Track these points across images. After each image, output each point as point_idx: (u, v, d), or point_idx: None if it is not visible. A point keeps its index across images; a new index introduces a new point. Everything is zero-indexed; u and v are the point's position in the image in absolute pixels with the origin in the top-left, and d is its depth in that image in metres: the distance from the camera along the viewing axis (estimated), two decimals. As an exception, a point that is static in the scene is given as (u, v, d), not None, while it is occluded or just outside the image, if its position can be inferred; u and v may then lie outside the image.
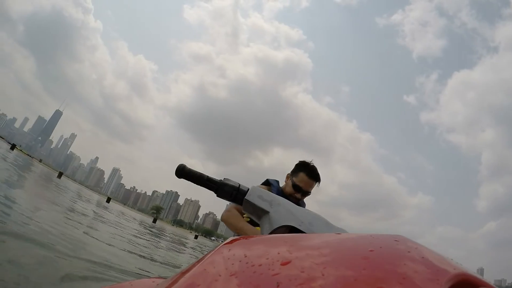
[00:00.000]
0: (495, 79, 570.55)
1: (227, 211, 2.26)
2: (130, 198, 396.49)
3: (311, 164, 2.49)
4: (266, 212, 0.81)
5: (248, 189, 0.91)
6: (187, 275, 0.43)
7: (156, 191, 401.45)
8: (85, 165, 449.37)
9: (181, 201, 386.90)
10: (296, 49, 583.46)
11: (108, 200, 64.06)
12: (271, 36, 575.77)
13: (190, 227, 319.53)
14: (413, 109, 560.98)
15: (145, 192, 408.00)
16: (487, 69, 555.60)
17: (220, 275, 0.40)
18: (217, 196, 0.96)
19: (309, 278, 0.38)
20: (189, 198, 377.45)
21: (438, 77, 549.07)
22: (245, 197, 0.87)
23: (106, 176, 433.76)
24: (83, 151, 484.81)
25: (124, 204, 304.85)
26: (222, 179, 0.96)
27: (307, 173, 2.45)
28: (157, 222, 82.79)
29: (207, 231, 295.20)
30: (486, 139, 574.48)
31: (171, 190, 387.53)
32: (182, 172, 0.98)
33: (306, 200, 2.62)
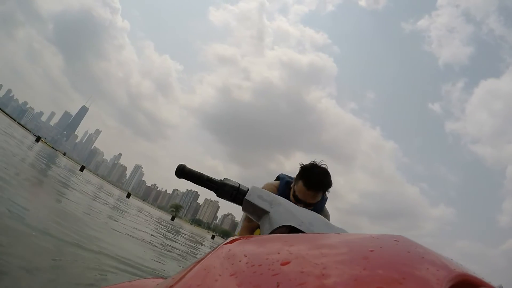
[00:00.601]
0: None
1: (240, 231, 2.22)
2: (150, 195, 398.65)
3: (314, 170, 1.94)
4: (266, 212, 0.81)
5: (248, 189, 0.90)
6: (187, 275, 0.42)
7: (177, 190, 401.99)
8: (108, 161, 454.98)
9: (200, 200, 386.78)
10: (321, 53, 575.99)
11: (128, 196, 63.50)
12: (296, 40, 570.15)
13: (208, 227, 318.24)
14: (438, 118, 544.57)
15: (166, 190, 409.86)
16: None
17: (220, 275, 0.40)
18: (217, 196, 0.96)
19: (309, 278, 0.37)
20: (208, 198, 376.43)
21: (464, 86, 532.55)
22: (245, 197, 0.87)
23: (128, 172, 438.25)
24: (107, 147, 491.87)
25: (144, 200, 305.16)
26: (222, 179, 0.96)
27: (304, 182, 1.93)
28: (176, 220, 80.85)
29: (225, 232, 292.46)
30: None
31: (191, 190, 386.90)
32: (182, 172, 0.98)
33: (327, 204, 2.26)
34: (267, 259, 0.39)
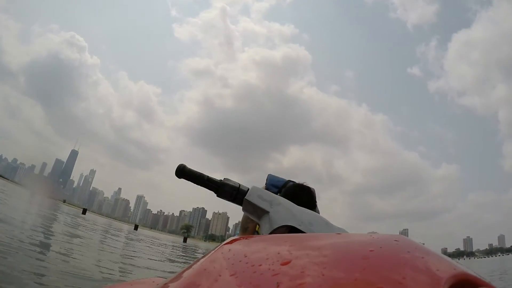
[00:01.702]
0: (496, 32, 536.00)
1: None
2: (159, 221, 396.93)
3: (297, 192, 1.71)
4: (266, 212, 0.80)
5: (248, 189, 0.90)
6: (188, 275, 0.43)
7: (183, 211, 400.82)
8: (110, 198, 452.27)
9: (209, 215, 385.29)
10: (291, 44, 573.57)
11: (136, 228, 65.28)
12: (264, 37, 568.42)
13: (222, 239, 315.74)
14: (419, 80, 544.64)
15: (173, 213, 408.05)
16: (486, 24, 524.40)
17: (220, 275, 0.39)
18: (217, 196, 0.96)
19: (309, 278, 0.37)
20: (216, 211, 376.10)
21: (437, 43, 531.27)
22: (245, 197, 0.87)
23: (132, 205, 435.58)
24: (105, 185, 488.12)
25: (152, 228, 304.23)
26: (222, 179, 0.96)
27: None
28: (188, 240, 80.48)
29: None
30: (499, 96, 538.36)
31: (197, 207, 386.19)
32: (182, 172, 0.98)
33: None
34: (267, 259, 0.39)
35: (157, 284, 0.60)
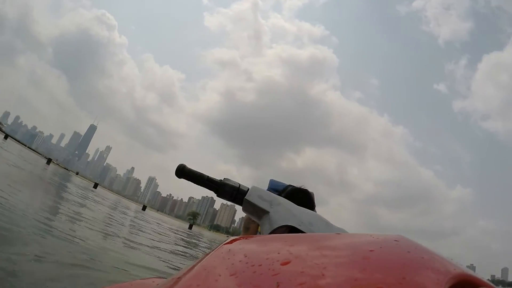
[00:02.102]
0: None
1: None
2: (166, 205, 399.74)
3: (296, 195, 1.70)
4: (266, 212, 0.80)
5: (248, 189, 0.90)
6: (187, 275, 0.42)
7: (192, 198, 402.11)
8: (122, 176, 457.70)
9: (217, 206, 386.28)
10: (319, 45, 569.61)
11: (144, 208, 65.66)
12: (293, 35, 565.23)
13: (227, 231, 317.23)
14: (444, 98, 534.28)
15: (181, 199, 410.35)
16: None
17: (220, 275, 0.39)
18: (217, 196, 0.96)
19: (309, 278, 0.37)
20: (225, 203, 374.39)
21: (467, 62, 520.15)
22: (245, 197, 0.87)
23: (143, 185, 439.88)
24: (119, 163, 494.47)
25: (159, 210, 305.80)
26: (222, 179, 0.96)
27: None
28: (194, 228, 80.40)
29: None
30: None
31: (207, 196, 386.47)
32: (182, 172, 0.97)
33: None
34: (267, 259, 0.39)
35: (157, 284, 0.60)
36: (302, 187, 1.80)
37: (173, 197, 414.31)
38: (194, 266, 0.44)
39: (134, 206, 67.90)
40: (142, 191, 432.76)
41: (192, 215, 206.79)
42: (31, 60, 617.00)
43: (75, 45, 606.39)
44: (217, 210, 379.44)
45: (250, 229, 2.10)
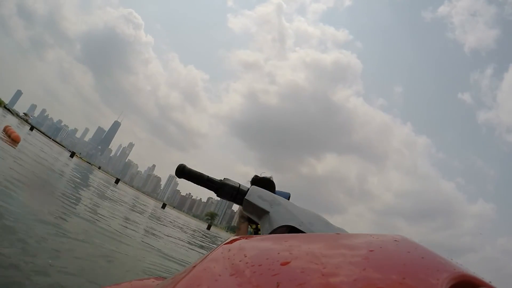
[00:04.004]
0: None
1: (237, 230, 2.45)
2: (185, 204, 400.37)
3: (257, 183, 2.47)
4: (266, 212, 0.80)
5: (248, 189, 0.91)
6: (187, 275, 0.42)
7: (211, 198, 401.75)
8: (143, 172, 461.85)
9: (235, 208, 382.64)
10: (343, 50, 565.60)
11: (163, 206, 64.75)
12: (317, 39, 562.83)
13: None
14: (469, 108, 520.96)
15: (200, 198, 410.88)
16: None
17: (220, 275, 0.39)
18: (217, 196, 0.96)
19: (309, 278, 0.38)
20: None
21: (493, 71, 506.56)
22: (245, 197, 0.87)
23: (163, 183, 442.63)
24: (141, 159, 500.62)
25: (179, 209, 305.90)
26: (222, 179, 0.96)
27: None
28: (212, 228, 77.49)
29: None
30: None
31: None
32: (183, 172, 0.98)
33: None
34: (267, 259, 0.39)
35: (157, 284, 0.60)
36: (264, 177, 2.51)
37: (192, 196, 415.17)
38: (194, 266, 0.44)
39: (153, 203, 69.32)
40: (162, 188, 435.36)
41: (210, 216, 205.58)
42: (59, 55, 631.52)
43: (102, 42, 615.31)
44: (235, 212, 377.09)
45: (240, 229, 2.35)
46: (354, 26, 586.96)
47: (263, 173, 2.56)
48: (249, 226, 2.44)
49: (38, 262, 4.25)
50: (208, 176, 0.97)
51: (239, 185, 0.95)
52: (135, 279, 0.76)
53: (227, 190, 0.94)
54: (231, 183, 0.94)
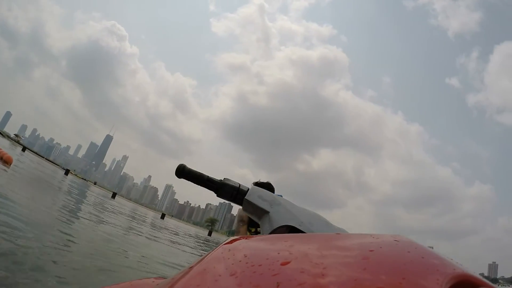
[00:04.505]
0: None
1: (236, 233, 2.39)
2: (184, 212, 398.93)
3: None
4: (266, 212, 0.80)
5: (248, 189, 0.91)
6: (187, 275, 0.42)
7: (210, 204, 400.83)
8: (139, 184, 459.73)
9: (234, 211, 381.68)
10: (329, 45, 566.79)
11: (163, 217, 64.07)
12: (301, 36, 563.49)
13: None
14: (458, 93, 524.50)
15: (199, 205, 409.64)
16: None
17: (220, 275, 0.39)
18: (217, 196, 0.96)
19: (309, 278, 0.38)
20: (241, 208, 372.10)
21: (479, 54, 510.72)
22: (245, 197, 0.87)
23: (160, 193, 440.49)
24: (136, 171, 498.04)
25: (177, 218, 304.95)
26: (222, 179, 0.96)
27: None
28: (213, 234, 78.10)
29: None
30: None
31: (224, 202, 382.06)
32: (182, 172, 0.97)
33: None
34: (267, 259, 0.39)
35: (157, 284, 0.60)
36: (264, 182, 2.55)
37: (190, 204, 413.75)
38: (194, 266, 0.44)
39: (152, 214, 69.44)
40: (159, 199, 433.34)
41: (210, 222, 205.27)
42: (46, 73, 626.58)
43: (87, 56, 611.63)
44: (235, 216, 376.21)
45: (240, 233, 2.36)
46: (337, 21, 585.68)
47: (260, 180, 2.58)
48: (248, 229, 2.45)
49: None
50: (208, 176, 0.97)
51: (239, 185, 0.94)
52: (135, 279, 0.75)
53: (227, 190, 0.93)
54: (231, 183, 0.94)
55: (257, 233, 2.36)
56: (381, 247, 0.39)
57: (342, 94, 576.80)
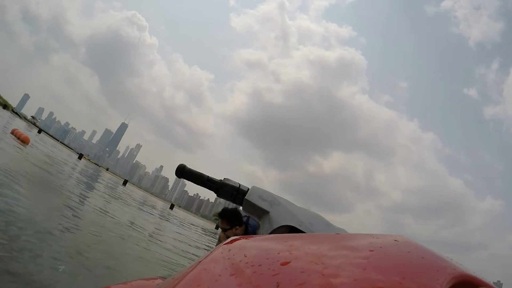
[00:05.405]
0: None
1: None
2: (193, 204, 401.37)
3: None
4: (266, 212, 0.80)
5: (248, 189, 0.91)
6: (187, 275, 0.42)
7: (219, 198, 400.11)
8: (150, 173, 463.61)
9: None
10: (347, 47, 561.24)
11: (172, 207, 64.81)
12: (320, 36, 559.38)
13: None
14: (475, 104, 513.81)
15: (208, 199, 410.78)
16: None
17: (220, 275, 0.39)
18: (217, 196, 0.97)
19: (309, 278, 0.37)
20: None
21: (499, 66, 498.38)
22: (245, 197, 0.87)
23: (171, 184, 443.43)
24: (149, 160, 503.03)
25: (180, 207, 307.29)
26: (223, 179, 0.97)
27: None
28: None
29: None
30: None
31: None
32: (183, 172, 0.98)
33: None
34: (267, 259, 0.39)
35: (157, 284, 0.60)
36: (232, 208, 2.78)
37: (200, 197, 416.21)
38: (194, 266, 0.44)
39: (161, 204, 70.58)
40: (169, 189, 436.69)
41: (218, 216, 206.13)
42: (65, 59, 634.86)
43: (106, 45, 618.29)
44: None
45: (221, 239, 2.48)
46: (357, 22, 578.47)
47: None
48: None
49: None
50: (208, 176, 0.97)
51: (239, 185, 0.94)
52: (135, 279, 0.76)
53: (227, 190, 0.93)
54: (231, 183, 0.94)
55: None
56: (381, 247, 0.39)
57: (358, 97, 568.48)
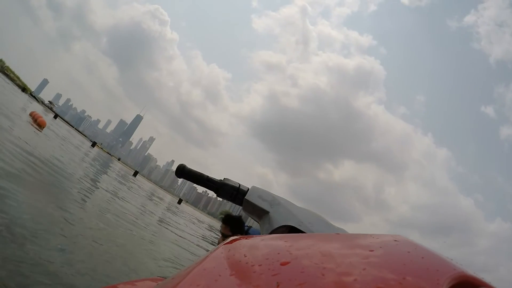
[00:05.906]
0: None
1: None
2: (201, 201, 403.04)
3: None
4: (266, 212, 0.80)
5: (248, 189, 0.91)
6: (188, 275, 0.42)
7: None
8: (161, 167, 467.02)
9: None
10: (367, 56, 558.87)
11: (179, 202, 64.51)
12: (340, 44, 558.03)
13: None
14: (491, 123, 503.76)
15: (216, 197, 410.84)
16: None
17: (220, 275, 0.39)
18: (217, 196, 0.97)
19: (309, 278, 0.38)
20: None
21: None
22: (245, 197, 0.88)
23: (180, 179, 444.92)
24: (160, 154, 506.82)
25: (187, 202, 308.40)
26: (222, 179, 0.97)
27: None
28: None
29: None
30: None
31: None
32: (183, 171, 0.98)
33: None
34: (267, 259, 0.39)
35: (157, 284, 0.60)
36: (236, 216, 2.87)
37: (208, 194, 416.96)
38: (194, 266, 0.44)
39: (170, 198, 71.51)
40: (179, 184, 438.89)
41: (224, 215, 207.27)
42: (86, 47, 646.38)
43: (128, 36, 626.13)
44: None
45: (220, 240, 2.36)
46: (378, 32, 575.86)
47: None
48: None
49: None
50: (208, 176, 0.97)
51: (239, 185, 0.94)
52: (135, 279, 0.75)
53: (227, 190, 0.93)
54: (231, 183, 0.94)
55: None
56: (381, 247, 0.39)
57: (374, 108, 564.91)
